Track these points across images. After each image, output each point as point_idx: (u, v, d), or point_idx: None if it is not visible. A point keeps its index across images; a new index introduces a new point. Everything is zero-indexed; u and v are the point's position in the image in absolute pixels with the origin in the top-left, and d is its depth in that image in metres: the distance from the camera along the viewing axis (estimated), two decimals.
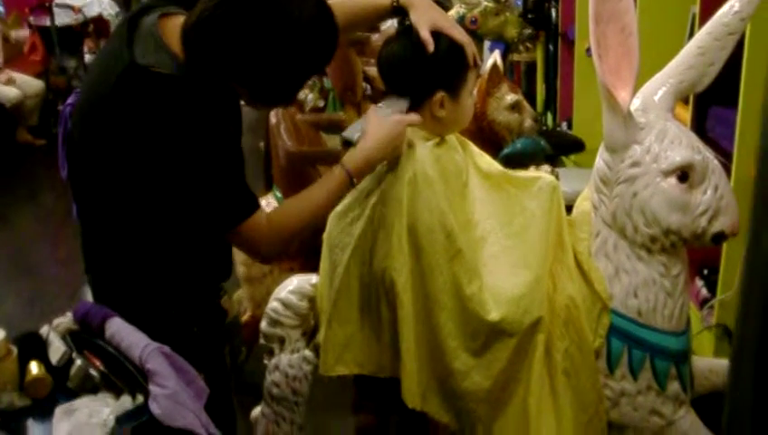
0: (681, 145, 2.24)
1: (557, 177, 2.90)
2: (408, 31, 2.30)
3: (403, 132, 2.26)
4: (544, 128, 4.47)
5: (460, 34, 2.31)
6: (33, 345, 2.19)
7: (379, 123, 2.25)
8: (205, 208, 2.14)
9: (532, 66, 5.27)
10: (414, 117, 2.27)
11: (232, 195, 2.15)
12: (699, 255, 3.05)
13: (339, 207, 2.37)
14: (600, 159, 2.36)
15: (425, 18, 2.27)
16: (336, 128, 4.01)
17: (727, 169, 2.51)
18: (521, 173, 2.41)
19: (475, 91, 2.63)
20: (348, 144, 2.56)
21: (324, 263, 2.42)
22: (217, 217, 2.15)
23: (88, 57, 8.59)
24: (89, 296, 2.47)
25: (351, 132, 2.54)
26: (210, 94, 2.10)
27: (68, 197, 2.43)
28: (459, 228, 2.24)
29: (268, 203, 3.41)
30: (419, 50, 2.25)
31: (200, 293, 2.34)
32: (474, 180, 2.33)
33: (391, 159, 2.28)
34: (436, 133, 2.33)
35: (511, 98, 3.29)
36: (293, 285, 2.52)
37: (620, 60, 2.23)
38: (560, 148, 3.87)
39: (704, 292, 3.33)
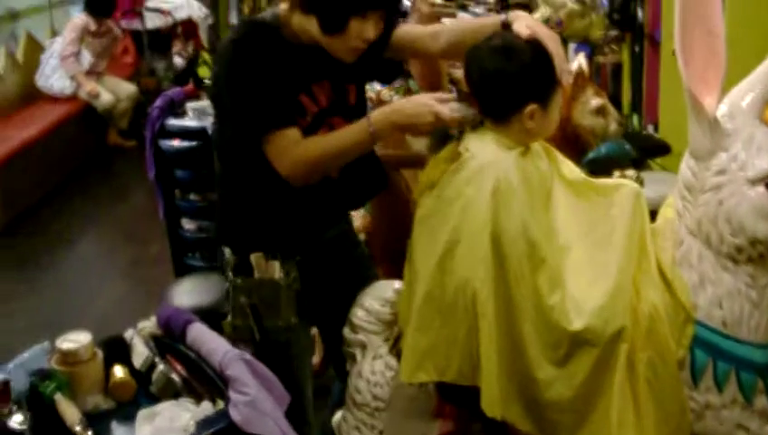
0: None
1: (642, 181, 2.85)
2: (506, 44, 2.31)
3: (426, 114, 2.32)
4: (630, 130, 4.40)
5: (555, 47, 2.31)
6: (117, 349, 2.24)
7: (412, 98, 2.47)
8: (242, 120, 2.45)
9: (618, 68, 5.19)
10: (443, 110, 2.31)
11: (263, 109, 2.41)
12: None
13: (421, 211, 2.39)
14: (686, 165, 2.31)
15: (524, 24, 2.33)
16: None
17: None
18: (604, 181, 2.38)
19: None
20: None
21: (408, 269, 2.42)
22: (251, 125, 2.43)
23: (177, 59, 8.73)
24: (175, 298, 2.50)
25: None
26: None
27: (156, 197, 2.49)
28: (543, 237, 2.22)
29: None
30: (517, 63, 2.27)
31: None
32: (557, 188, 2.32)
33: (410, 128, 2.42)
34: (522, 143, 2.33)
35: (596, 102, 3.24)
36: (376, 291, 2.52)
37: (707, 65, 2.19)
38: (645, 151, 3.80)
39: None
